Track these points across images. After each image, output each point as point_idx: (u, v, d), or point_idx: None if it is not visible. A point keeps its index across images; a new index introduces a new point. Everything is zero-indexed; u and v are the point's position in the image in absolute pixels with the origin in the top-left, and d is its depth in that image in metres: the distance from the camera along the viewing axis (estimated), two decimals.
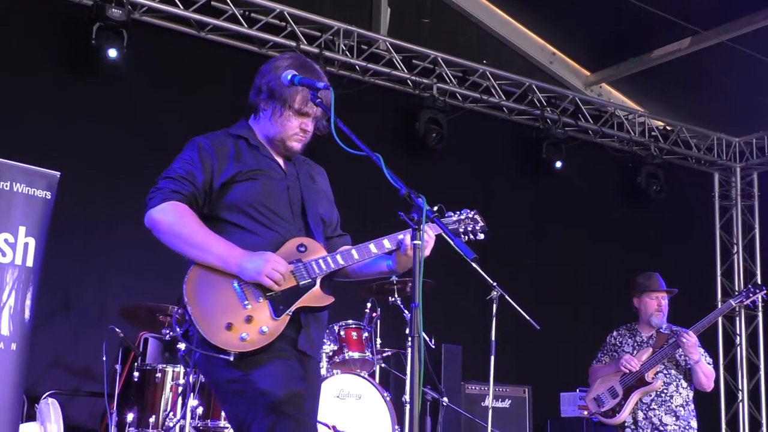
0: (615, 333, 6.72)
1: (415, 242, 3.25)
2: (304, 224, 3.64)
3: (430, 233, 3.61)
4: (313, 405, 3.63)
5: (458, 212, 3.83)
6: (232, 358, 3.33)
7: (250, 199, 3.55)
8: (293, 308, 3.46)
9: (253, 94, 3.76)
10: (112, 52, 7.88)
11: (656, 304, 6.54)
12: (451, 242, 3.41)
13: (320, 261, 3.54)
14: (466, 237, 3.81)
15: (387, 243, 3.63)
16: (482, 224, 3.85)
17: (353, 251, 3.63)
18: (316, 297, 3.53)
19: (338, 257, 3.58)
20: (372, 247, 3.63)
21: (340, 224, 3.94)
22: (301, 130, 3.68)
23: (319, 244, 3.61)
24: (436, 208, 3.51)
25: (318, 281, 3.53)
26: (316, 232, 3.65)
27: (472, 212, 3.85)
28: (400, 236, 3.61)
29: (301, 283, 3.49)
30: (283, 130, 3.67)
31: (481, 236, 3.83)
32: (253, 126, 3.77)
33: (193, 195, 3.52)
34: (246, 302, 3.41)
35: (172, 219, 3.46)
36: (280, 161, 3.73)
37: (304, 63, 3.72)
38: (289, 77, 3.65)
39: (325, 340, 6.68)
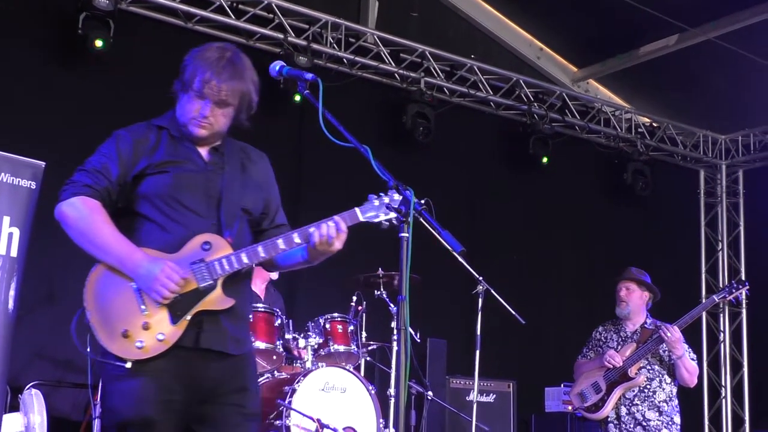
0: (600, 328, 6.73)
1: (403, 235, 3.24)
2: (217, 219, 3.50)
3: (341, 227, 3.53)
4: (239, 398, 3.49)
5: (379, 195, 3.60)
6: (128, 366, 3.26)
7: (161, 191, 3.43)
8: (191, 313, 3.35)
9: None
10: (99, 42, 7.84)
11: (619, 292, 6.58)
12: (439, 235, 3.39)
13: (223, 261, 3.40)
14: (387, 223, 3.57)
15: (296, 238, 3.52)
16: (408, 207, 3.60)
17: (259, 248, 3.48)
18: (216, 300, 3.40)
19: (243, 255, 3.44)
20: (280, 242, 3.50)
21: (280, 213, 3.81)
22: (199, 114, 3.50)
23: (225, 241, 3.45)
24: (423, 202, 3.46)
25: (219, 283, 3.40)
26: (228, 228, 3.50)
27: (396, 193, 3.56)
28: (311, 230, 3.51)
29: (201, 285, 3.37)
30: (183, 114, 3.56)
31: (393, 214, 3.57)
32: (177, 115, 3.62)
33: (106, 190, 3.42)
34: (143, 307, 3.31)
35: (79, 214, 3.38)
36: (203, 151, 3.59)
37: (222, 48, 3.63)
38: (278, 68, 3.64)
39: (310, 333, 6.69)
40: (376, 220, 3.56)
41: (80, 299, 3.41)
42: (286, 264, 3.71)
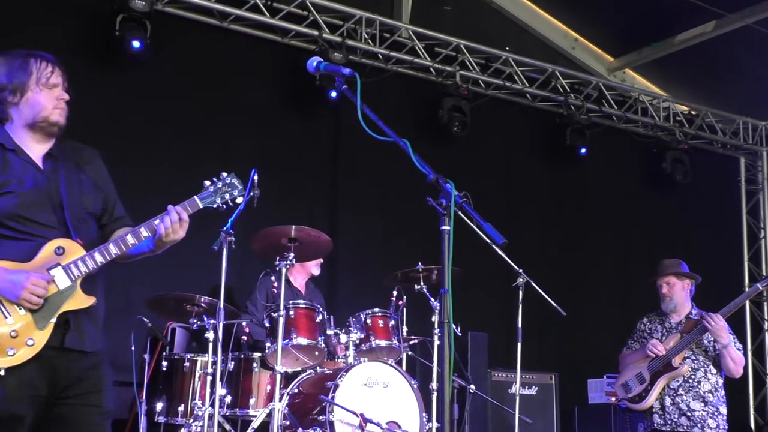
0: (645, 319, 6.69)
1: (444, 228, 3.24)
2: (65, 225, 3.59)
3: (182, 217, 3.69)
4: (88, 397, 3.61)
5: (213, 180, 3.85)
6: (3, 373, 3.36)
7: (8, 211, 3.50)
8: (56, 316, 3.49)
9: None
10: (136, 43, 7.92)
11: (660, 289, 6.55)
12: (480, 228, 3.39)
13: (79, 263, 3.54)
14: (225, 205, 3.85)
15: (144, 231, 3.67)
16: (240, 188, 3.89)
17: (111, 246, 3.62)
18: (77, 300, 3.55)
19: (96, 255, 3.58)
20: (129, 237, 3.64)
21: (118, 207, 3.90)
22: (60, 101, 3.68)
23: (77, 244, 3.57)
24: (463, 196, 3.47)
25: (78, 283, 3.55)
26: (76, 231, 3.60)
27: (229, 176, 3.89)
28: (156, 222, 3.67)
29: (61, 288, 3.50)
30: (42, 108, 3.65)
31: (240, 200, 3.88)
32: (8, 131, 3.67)
33: None
34: (9, 317, 3.41)
35: None
36: (39, 161, 3.67)
37: (11, 54, 3.74)
38: (315, 64, 3.68)
39: (351, 329, 6.70)
40: (214, 205, 3.83)
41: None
42: (134, 254, 3.79)
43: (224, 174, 3.88)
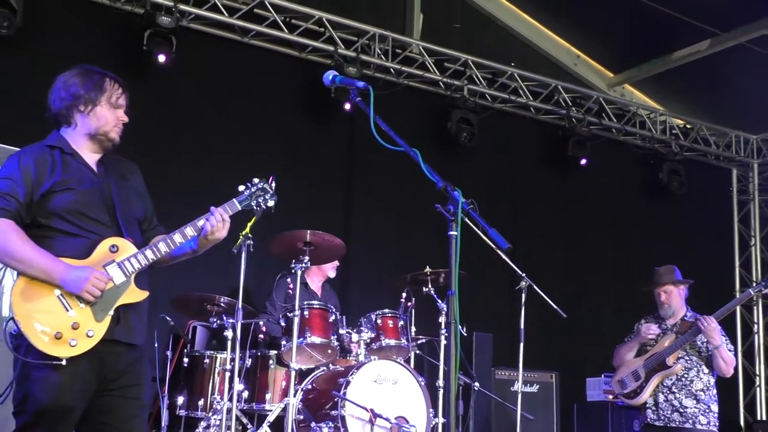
0: (643, 320, 6.67)
1: (452, 233, 3.24)
2: (116, 225, 3.71)
3: (224, 217, 3.83)
4: (131, 389, 3.69)
5: (248, 185, 4.01)
6: (64, 363, 3.42)
7: (67, 207, 3.61)
8: (113, 309, 3.57)
9: (56, 107, 3.82)
10: (162, 57, 7.95)
11: (658, 297, 6.52)
12: (486, 234, 3.38)
13: (132, 259, 3.64)
14: (259, 208, 4.00)
15: (190, 231, 3.78)
16: (272, 192, 4.04)
17: (161, 244, 3.73)
18: (132, 294, 3.64)
19: (148, 252, 3.68)
20: (177, 236, 3.76)
21: (155, 217, 4.01)
22: (119, 121, 3.82)
23: (129, 242, 3.68)
24: (470, 202, 3.46)
25: (132, 279, 3.64)
26: (127, 231, 3.72)
27: (261, 181, 4.03)
28: (200, 223, 3.79)
29: (118, 283, 3.59)
30: (104, 123, 3.79)
31: (272, 203, 4.02)
32: (65, 136, 3.81)
33: (18, 212, 3.57)
34: (70, 310, 3.49)
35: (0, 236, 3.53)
36: (93, 166, 3.80)
37: (91, 70, 3.86)
38: (331, 77, 3.72)
39: (362, 328, 6.70)
40: (250, 207, 3.98)
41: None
42: (177, 255, 3.87)
43: (256, 179, 4.03)
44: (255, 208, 4.00)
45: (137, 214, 3.86)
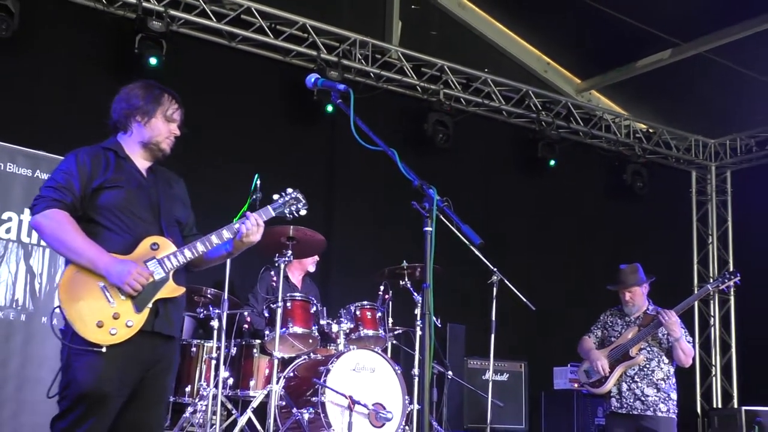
0: (608, 312, 6.68)
1: (427, 229, 3.23)
2: (158, 225, 3.78)
3: (259, 222, 3.88)
4: (163, 378, 3.76)
5: (282, 194, 4.09)
6: (104, 350, 3.47)
7: (115, 203, 3.69)
8: (152, 302, 3.62)
9: (116, 114, 3.93)
10: (153, 60, 7.90)
11: (623, 296, 6.52)
12: (459, 229, 3.37)
13: (171, 257, 3.69)
14: (291, 215, 4.08)
15: (226, 233, 3.84)
16: (303, 202, 4.11)
17: (198, 243, 3.78)
18: (170, 289, 3.69)
19: (186, 251, 3.74)
20: (214, 238, 3.82)
21: (195, 226, 4.07)
22: (171, 134, 3.91)
23: (169, 241, 3.74)
24: (444, 200, 3.46)
25: (171, 275, 3.69)
26: (168, 231, 3.78)
27: (295, 192, 4.11)
28: (237, 226, 3.85)
29: (157, 278, 3.63)
30: (154, 134, 3.87)
31: (303, 212, 4.09)
32: (121, 141, 3.90)
33: (72, 204, 3.64)
34: (112, 301, 3.54)
35: (53, 224, 3.59)
36: (143, 171, 3.88)
37: (161, 85, 3.98)
38: (313, 80, 3.75)
39: (342, 319, 6.69)
40: (283, 215, 4.07)
41: None
42: (213, 257, 3.95)
43: (289, 189, 4.11)
44: (288, 216, 4.08)
45: (179, 218, 3.93)
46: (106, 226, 3.65)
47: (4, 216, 6.00)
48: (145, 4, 8.02)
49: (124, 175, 3.77)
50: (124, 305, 3.55)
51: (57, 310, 3.55)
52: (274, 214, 4.01)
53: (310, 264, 7.47)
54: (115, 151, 3.84)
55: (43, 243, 6.04)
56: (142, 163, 3.89)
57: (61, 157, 6.10)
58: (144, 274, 3.56)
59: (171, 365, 3.83)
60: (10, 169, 6.07)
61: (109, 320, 3.49)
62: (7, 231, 6.00)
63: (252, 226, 3.84)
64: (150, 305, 3.60)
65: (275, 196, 4.08)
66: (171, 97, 3.92)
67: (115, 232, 3.65)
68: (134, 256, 3.62)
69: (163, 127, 3.87)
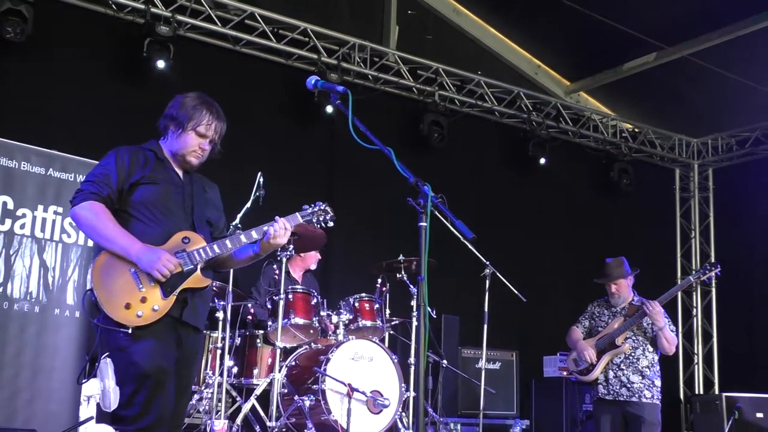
0: (595, 303, 6.69)
1: (422, 224, 3.23)
2: (191, 222, 3.84)
3: (285, 226, 3.92)
4: (188, 367, 3.83)
5: (312, 205, 4.15)
6: (129, 331, 3.52)
7: (151, 198, 3.76)
8: (178, 290, 3.67)
9: (162, 120, 3.96)
10: (161, 63, 7.89)
11: (610, 288, 6.52)
12: (453, 224, 3.37)
13: (200, 250, 3.75)
14: (318, 225, 4.14)
15: (254, 234, 3.90)
16: (331, 214, 4.18)
17: (227, 241, 3.84)
18: (197, 279, 3.74)
19: (214, 246, 3.80)
20: (242, 237, 3.88)
21: (225, 229, 4.14)
22: (199, 148, 3.90)
23: (200, 237, 3.80)
24: (439, 196, 3.46)
25: (198, 267, 3.74)
26: (199, 228, 3.85)
27: (324, 204, 4.17)
28: (265, 228, 3.90)
29: (185, 269, 3.69)
30: (183, 147, 3.88)
31: (331, 224, 4.16)
32: (162, 144, 3.96)
33: (109, 197, 3.70)
34: (141, 286, 3.59)
35: (90, 215, 3.65)
36: (180, 173, 3.93)
37: (206, 99, 3.97)
38: (313, 82, 3.76)
39: (341, 310, 6.69)
40: (310, 223, 4.14)
41: None
42: (241, 257, 4.02)
43: (319, 202, 4.18)
44: (315, 226, 4.16)
45: (210, 219, 3.97)
46: (140, 219, 3.72)
47: (19, 212, 6.00)
48: (153, 9, 8.01)
49: (162, 174, 3.83)
50: (153, 291, 3.60)
51: (89, 293, 3.60)
52: (301, 221, 4.07)
53: (312, 263, 7.48)
54: (155, 152, 3.90)
55: (56, 238, 6.04)
56: (176, 166, 3.94)
57: (73, 156, 6.15)
58: (173, 261, 3.61)
59: (196, 356, 3.91)
60: (24, 167, 6.06)
61: (136, 303, 3.55)
62: (22, 227, 6.00)
63: (279, 230, 3.88)
64: (176, 292, 3.65)
65: (306, 206, 4.13)
66: (208, 113, 3.89)
67: (148, 224, 3.71)
68: (166, 248, 3.67)
69: (191, 141, 3.87)
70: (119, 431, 3.57)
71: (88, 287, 3.64)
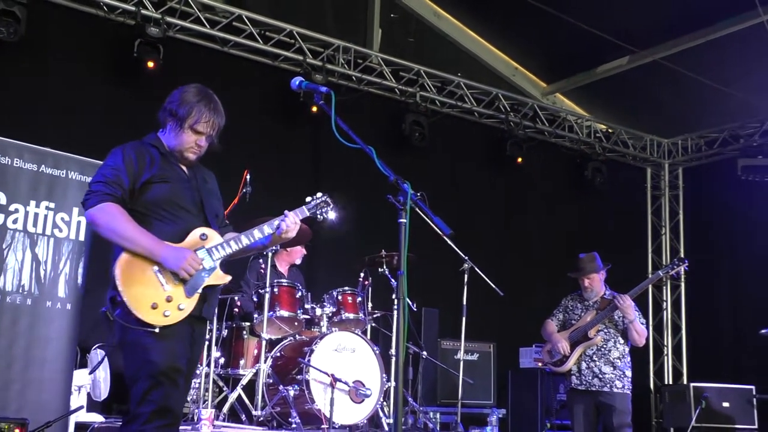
0: (569, 297, 6.70)
1: (402, 220, 3.24)
2: (203, 217, 3.75)
3: (296, 220, 3.89)
4: (194, 360, 3.76)
5: (314, 197, 4.10)
6: (157, 330, 3.45)
7: (164, 197, 3.65)
8: (202, 287, 3.62)
9: (161, 112, 3.82)
10: (150, 63, 7.85)
11: (582, 283, 6.54)
12: (431, 221, 3.39)
13: (219, 247, 3.69)
14: (321, 217, 4.09)
15: (267, 228, 3.85)
16: (332, 204, 4.13)
17: (243, 237, 3.79)
18: (218, 276, 3.69)
19: (232, 243, 3.74)
20: (256, 232, 3.82)
21: (224, 218, 4.06)
22: (196, 145, 3.77)
23: (216, 233, 3.74)
24: (418, 194, 3.47)
25: (218, 264, 3.69)
26: (213, 223, 3.78)
27: (324, 195, 4.13)
28: (276, 222, 3.86)
29: (207, 266, 3.63)
30: (180, 143, 3.76)
31: (333, 214, 4.11)
32: (161, 137, 3.83)
33: (122, 197, 3.59)
34: (165, 285, 3.52)
35: (108, 217, 3.53)
36: (183, 167, 3.83)
37: (206, 93, 3.83)
38: (298, 82, 3.74)
39: (325, 303, 6.70)
40: (315, 215, 4.09)
41: None
42: (251, 248, 3.90)
43: (320, 193, 4.14)
44: (319, 217, 4.10)
45: (216, 212, 3.90)
46: (156, 218, 3.62)
47: (12, 208, 5.95)
48: (143, 11, 7.97)
49: (169, 170, 3.72)
50: (177, 290, 3.53)
51: (114, 295, 3.49)
52: (308, 214, 4.03)
53: (298, 258, 7.47)
54: (157, 147, 3.77)
55: (47, 232, 6.00)
56: (179, 163, 3.84)
57: (65, 153, 6.12)
58: (197, 260, 3.56)
59: (203, 342, 3.95)
60: (17, 164, 6.01)
61: (162, 303, 3.48)
62: (14, 221, 5.96)
63: (291, 224, 3.86)
64: (200, 290, 3.60)
65: (308, 198, 4.08)
66: (207, 109, 3.75)
67: (165, 223, 3.62)
68: (186, 245, 3.61)
69: (188, 137, 3.74)
70: (136, 429, 3.42)
71: (113, 289, 3.52)
